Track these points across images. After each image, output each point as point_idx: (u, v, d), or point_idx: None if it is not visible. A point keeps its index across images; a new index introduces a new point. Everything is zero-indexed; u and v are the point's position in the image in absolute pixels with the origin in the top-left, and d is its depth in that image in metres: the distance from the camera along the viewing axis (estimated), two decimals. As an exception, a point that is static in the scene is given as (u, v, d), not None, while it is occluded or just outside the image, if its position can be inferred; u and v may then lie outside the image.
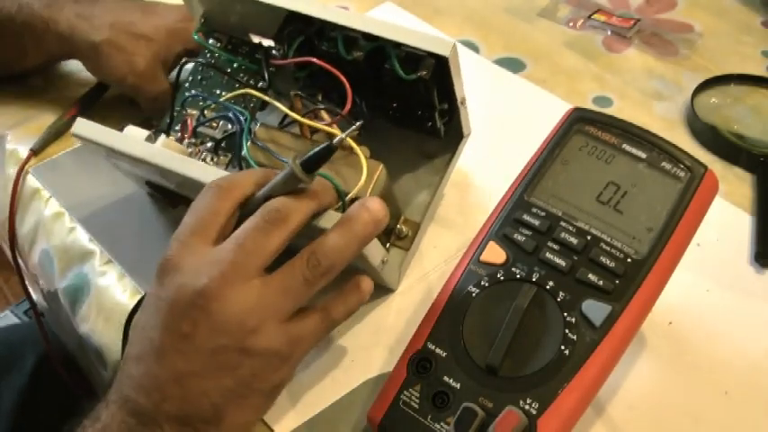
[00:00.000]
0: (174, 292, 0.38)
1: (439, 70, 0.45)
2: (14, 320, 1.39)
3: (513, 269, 0.42)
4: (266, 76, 0.52)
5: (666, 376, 0.46)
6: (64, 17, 0.60)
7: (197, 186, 0.42)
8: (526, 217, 0.43)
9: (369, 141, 0.48)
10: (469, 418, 0.38)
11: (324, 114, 0.49)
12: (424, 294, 0.51)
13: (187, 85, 0.55)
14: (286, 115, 0.50)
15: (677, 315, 0.49)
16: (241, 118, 0.50)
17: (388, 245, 0.51)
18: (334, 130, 0.47)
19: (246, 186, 0.41)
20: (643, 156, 0.43)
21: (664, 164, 0.43)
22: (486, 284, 0.42)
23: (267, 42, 0.53)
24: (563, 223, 0.42)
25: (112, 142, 0.47)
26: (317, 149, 0.39)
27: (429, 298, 0.45)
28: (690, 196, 0.42)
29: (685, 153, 0.43)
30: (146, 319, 0.39)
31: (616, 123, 0.45)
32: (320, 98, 0.50)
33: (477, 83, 0.54)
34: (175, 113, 0.54)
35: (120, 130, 0.49)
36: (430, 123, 0.50)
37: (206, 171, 0.44)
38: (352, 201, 0.43)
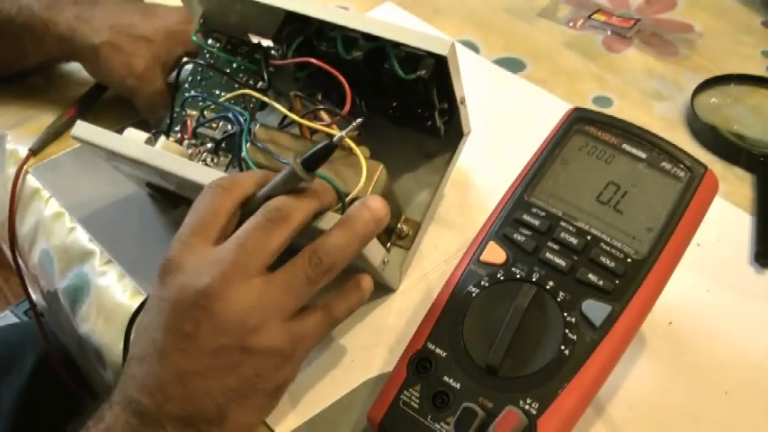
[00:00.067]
0: (175, 292, 0.38)
1: (438, 70, 0.45)
2: (14, 320, 1.39)
3: (513, 269, 0.42)
4: (265, 76, 0.52)
5: (666, 376, 0.46)
6: (64, 19, 0.60)
7: (197, 188, 0.42)
8: (526, 217, 0.43)
9: (368, 141, 0.48)
10: (469, 418, 0.38)
11: (323, 115, 0.49)
12: (424, 294, 0.51)
13: (187, 85, 0.55)
14: (285, 116, 0.50)
15: (677, 315, 0.49)
16: (241, 118, 0.50)
17: (388, 244, 0.51)
18: (334, 130, 0.47)
19: (247, 186, 0.41)
20: (643, 156, 0.43)
21: (664, 164, 0.43)
22: (486, 284, 0.42)
23: (266, 42, 0.53)
24: (563, 223, 0.42)
25: (112, 145, 0.47)
26: (317, 148, 0.39)
27: (429, 298, 0.45)
28: (690, 196, 0.42)
29: (685, 153, 0.43)
30: (148, 319, 0.39)
31: (616, 123, 0.45)
32: (320, 98, 0.50)
33: (476, 83, 0.54)
34: (175, 114, 0.54)
35: (119, 130, 0.49)
36: (430, 123, 0.50)
37: (205, 173, 0.44)
38: (353, 201, 0.43)
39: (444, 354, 0.41)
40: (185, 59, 0.57)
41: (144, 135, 0.50)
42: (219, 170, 0.48)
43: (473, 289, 0.42)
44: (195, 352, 0.37)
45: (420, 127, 0.51)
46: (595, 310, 0.40)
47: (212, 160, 0.52)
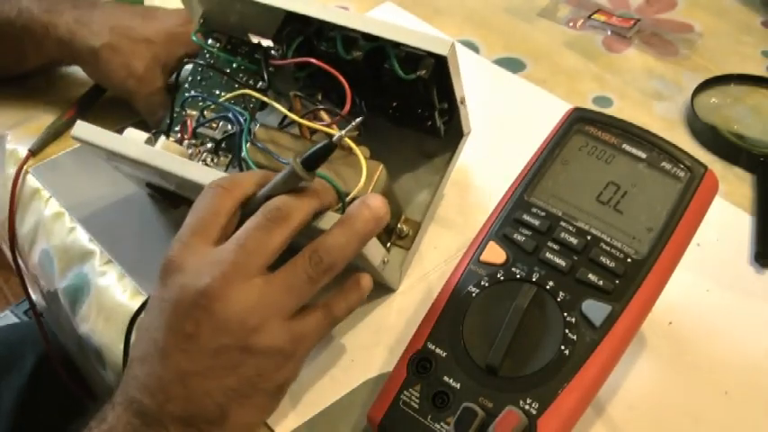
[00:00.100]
0: (176, 292, 0.38)
1: (438, 69, 0.45)
2: (14, 320, 1.39)
3: (513, 269, 0.42)
4: (265, 76, 0.52)
5: (666, 376, 0.46)
6: (63, 22, 0.60)
7: (197, 188, 0.42)
8: (526, 217, 0.43)
9: (368, 141, 0.48)
10: (469, 418, 0.38)
11: (323, 115, 0.49)
12: (424, 294, 0.51)
13: (186, 85, 0.55)
14: (285, 116, 0.50)
15: (677, 315, 0.49)
16: (241, 118, 0.50)
17: (388, 244, 0.51)
18: (334, 130, 0.47)
19: (247, 186, 0.41)
20: (643, 156, 0.43)
21: (664, 164, 0.43)
22: (486, 284, 0.42)
23: (266, 43, 0.53)
24: (563, 223, 0.42)
25: (113, 145, 0.47)
26: (316, 147, 0.39)
27: (429, 298, 0.45)
28: (690, 196, 0.42)
29: (685, 153, 0.43)
30: (149, 320, 0.39)
31: (616, 123, 0.45)
32: (320, 98, 0.50)
33: (476, 83, 0.54)
34: (175, 114, 0.54)
35: (119, 130, 0.49)
36: (430, 123, 0.50)
37: (205, 173, 0.44)
38: (353, 201, 0.43)
39: (444, 354, 0.41)
40: (185, 60, 0.57)
41: (144, 135, 0.50)
42: (219, 170, 0.48)
43: (473, 289, 0.42)
44: (196, 352, 0.37)
45: (420, 127, 0.51)
46: (595, 310, 0.40)
47: (212, 160, 0.52)
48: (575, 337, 0.39)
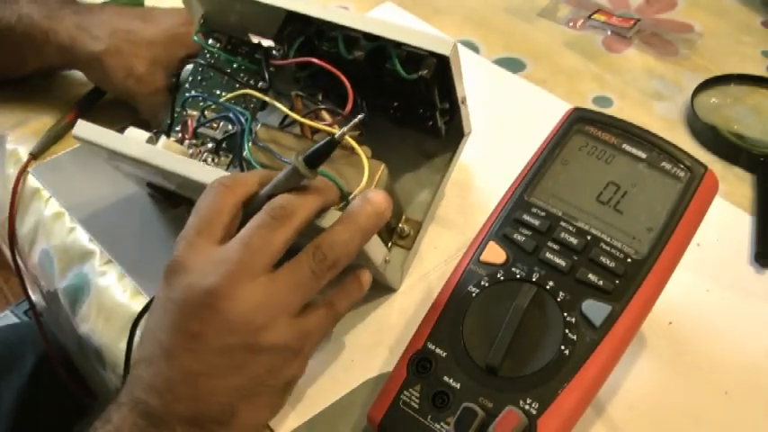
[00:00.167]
0: (182, 292, 0.38)
1: (440, 69, 0.45)
2: (14, 320, 1.39)
3: (513, 269, 0.42)
4: (266, 76, 0.52)
5: (666, 376, 0.46)
6: (64, 28, 0.60)
7: (199, 187, 0.42)
8: (526, 217, 0.43)
9: (369, 141, 0.48)
10: (469, 418, 0.38)
11: (325, 114, 0.49)
12: (424, 294, 0.51)
13: (187, 85, 0.55)
14: (286, 115, 0.50)
15: (677, 315, 0.49)
16: (242, 118, 0.50)
17: (389, 244, 0.51)
18: (336, 129, 0.47)
19: (249, 184, 0.41)
20: (643, 156, 0.43)
21: (664, 164, 0.43)
22: (486, 284, 0.42)
23: (267, 43, 0.53)
24: (563, 223, 0.42)
25: (114, 144, 0.47)
26: (319, 144, 0.39)
27: (429, 298, 0.45)
28: (690, 196, 0.42)
29: (685, 153, 0.43)
30: (155, 320, 0.39)
31: (616, 123, 0.45)
32: (320, 98, 0.50)
33: (477, 83, 0.54)
34: (176, 114, 0.54)
35: (119, 131, 0.49)
36: (431, 123, 0.50)
37: (207, 172, 0.44)
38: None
39: (444, 354, 0.41)
40: (186, 60, 0.57)
41: (145, 134, 0.50)
42: (221, 169, 0.48)
43: (473, 289, 0.42)
44: (203, 352, 0.37)
45: (421, 127, 0.51)
46: (595, 310, 0.40)
47: (213, 160, 0.52)
48: (575, 337, 0.39)
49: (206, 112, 0.53)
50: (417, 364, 0.41)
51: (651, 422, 0.44)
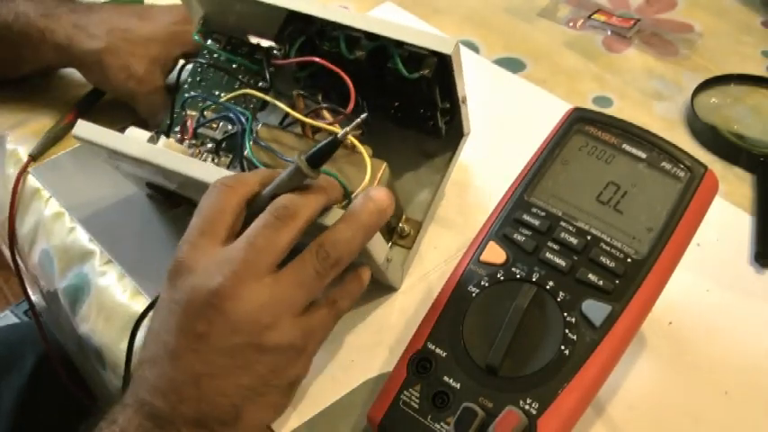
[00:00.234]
0: (187, 293, 0.38)
1: (441, 69, 0.45)
2: (14, 320, 1.39)
3: (513, 269, 0.42)
4: (267, 76, 0.52)
5: (666, 376, 0.46)
6: (61, 27, 0.60)
7: (200, 187, 0.42)
8: (526, 217, 0.43)
9: (369, 141, 0.48)
10: (469, 418, 0.38)
11: (326, 114, 0.49)
12: (424, 294, 0.51)
13: (186, 86, 0.55)
14: (286, 115, 0.50)
15: (677, 315, 0.49)
16: (242, 118, 0.50)
17: (390, 243, 0.51)
18: (337, 129, 0.47)
19: (251, 184, 0.41)
20: (643, 156, 0.43)
21: (664, 164, 0.43)
22: (486, 284, 0.42)
23: (266, 43, 0.53)
24: (563, 223, 0.42)
25: (115, 144, 0.47)
26: (322, 144, 0.39)
27: (429, 298, 0.45)
28: (690, 196, 0.42)
29: (685, 153, 0.43)
30: (159, 322, 0.39)
31: (616, 123, 0.45)
32: (320, 98, 0.50)
33: (477, 83, 0.54)
34: (175, 115, 0.54)
35: (120, 131, 0.49)
36: (431, 123, 0.50)
37: (210, 171, 0.44)
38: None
39: (444, 354, 0.41)
40: (186, 60, 0.57)
41: (146, 134, 0.50)
42: (222, 168, 0.48)
43: (473, 289, 0.42)
44: (208, 352, 0.37)
45: (421, 127, 0.51)
46: (595, 310, 0.40)
47: (213, 160, 0.52)
48: (575, 337, 0.39)
49: (205, 113, 0.53)
50: (417, 364, 0.41)
51: (651, 422, 0.44)
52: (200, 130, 0.52)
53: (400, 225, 0.51)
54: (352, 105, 0.47)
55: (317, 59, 0.48)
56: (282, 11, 0.49)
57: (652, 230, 0.41)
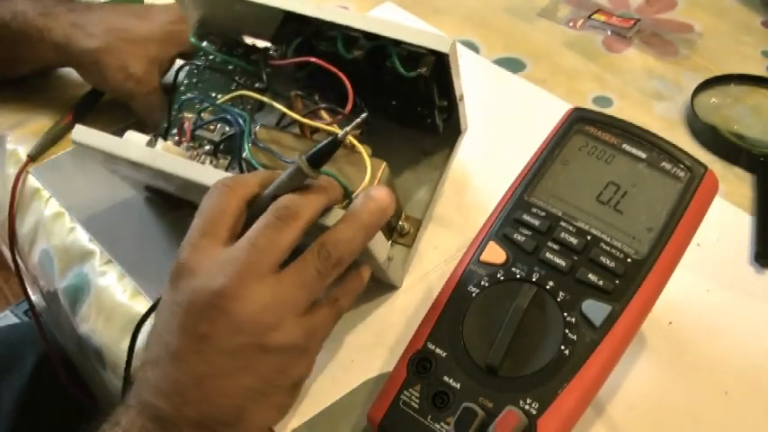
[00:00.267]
0: (189, 295, 0.37)
1: (439, 67, 0.45)
2: (14, 320, 1.39)
3: (513, 269, 0.42)
4: (264, 77, 0.52)
5: (666, 376, 0.46)
6: (59, 26, 0.60)
7: (199, 189, 0.42)
8: (526, 217, 0.43)
9: (368, 140, 0.48)
10: (469, 418, 0.38)
11: (324, 114, 0.49)
12: (424, 294, 0.51)
13: (183, 88, 0.55)
14: (283, 116, 0.50)
15: (677, 315, 0.49)
16: (240, 120, 0.50)
17: (390, 242, 0.51)
18: (336, 129, 0.47)
19: (251, 185, 0.41)
20: (643, 156, 0.43)
21: (664, 164, 0.43)
22: (486, 284, 0.42)
23: (262, 44, 0.53)
24: (563, 223, 0.42)
25: (114, 148, 0.47)
26: (322, 144, 0.39)
27: (429, 298, 0.45)
28: (690, 196, 0.42)
29: (685, 153, 0.43)
30: (161, 323, 0.39)
31: (616, 123, 0.45)
32: (317, 99, 0.50)
33: (476, 83, 0.54)
34: (172, 117, 0.54)
35: (116, 132, 0.49)
36: (429, 120, 0.50)
37: (210, 173, 0.44)
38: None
39: (444, 354, 0.41)
40: (183, 62, 0.57)
41: (144, 137, 0.50)
42: (222, 171, 0.48)
43: (473, 289, 0.42)
44: (211, 353, 0.37)
45: (420, 125, 0.51)
46: (595, 310, 0.40)
47: (211, 162, 0.52)
48: (575, 337, 0.39)
49: (202, 114, 0.52)
50: (417, 364, 0.41)
51: (651, 422, 0.44)
52: (198, 133, 0.52)
53: (400, 223, 0.51)
54: (350, 105, 0.47)
55: (314, 59, 0.48)
56: (280, 12, 0.49)
57: (652, 230, 0.41)
